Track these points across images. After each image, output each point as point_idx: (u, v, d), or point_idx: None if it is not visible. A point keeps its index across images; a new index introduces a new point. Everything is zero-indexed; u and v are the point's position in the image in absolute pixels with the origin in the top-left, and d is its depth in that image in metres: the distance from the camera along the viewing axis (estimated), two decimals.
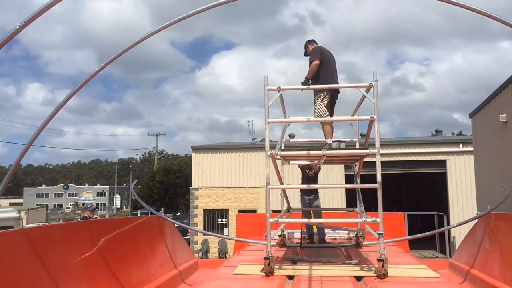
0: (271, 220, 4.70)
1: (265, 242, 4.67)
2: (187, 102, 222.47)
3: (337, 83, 5.91)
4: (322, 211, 7.47)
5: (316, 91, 5.74)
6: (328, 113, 5.73)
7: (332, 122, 5.83)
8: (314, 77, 5.75)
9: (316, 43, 6.32)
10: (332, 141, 5.59)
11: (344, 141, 5.69)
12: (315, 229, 6.90)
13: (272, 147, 4.90)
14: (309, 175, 6.96)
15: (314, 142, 6.98)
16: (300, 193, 7.14)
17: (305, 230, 6.93)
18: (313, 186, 6.50)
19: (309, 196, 7.02)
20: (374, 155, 4.63)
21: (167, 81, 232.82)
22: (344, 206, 19.65)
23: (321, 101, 5.72)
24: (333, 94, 5.88)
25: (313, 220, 6.40)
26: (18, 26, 4.02)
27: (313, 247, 6.54)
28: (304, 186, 6.70)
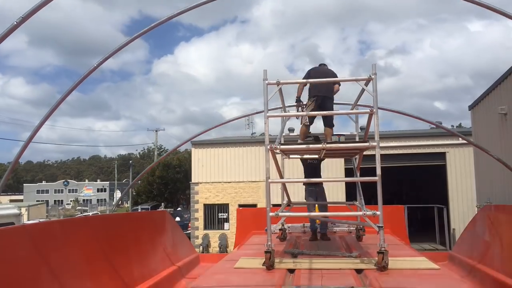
0: (271, 214, 4.71)
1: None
2: (154, 93, 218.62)
3: (323, 93, 5.99)
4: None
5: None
6: (308, 122, 6.01)
7: (309, 125, 6.05)
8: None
9: (319, 65, 6.53)
10: (332, 135, 5.62)
11: (343, 135, 5.71)
12: (318, 223, 6.89)
13: (272, 141, 4.90)
14: (314, 163, 6.85)
15: (314, 135, 6.98)
16: (304, 185, 7.06)
17: (308, 224, 6.91)
18: (313, 179, 6.50)
19: (314, 186, 6.89)
20: (373, 148, 4.63)
21: (129, 71, 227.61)
22: (344, 199, 19.69)
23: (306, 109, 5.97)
24: (318, 101, 5.97)
25: (313, 213, 6.41)
26: (15, 22, 4.01)
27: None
28: (305, 179, 6.70)
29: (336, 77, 6.10)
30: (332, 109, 6.13)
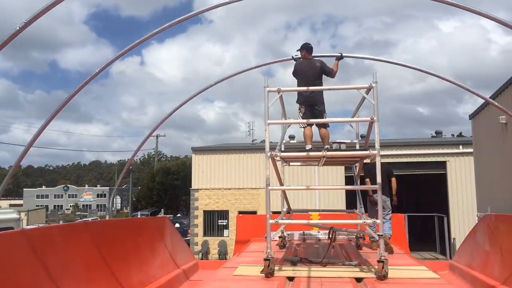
0: (271, 221, 4.70)
1: None
2: (123, 96, 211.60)
3: (312, 92, 5.81)
4: (322, 213, 7.47)
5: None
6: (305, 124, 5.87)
7: (311, 128, 5.89)
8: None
9: (305, 53, 6.15)
10: (333, 142, 5.59)
11: (344, 143, 5.70)
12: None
13: (272, 148, 4.90)
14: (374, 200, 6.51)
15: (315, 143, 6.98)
16: (369, 202, 6.95)
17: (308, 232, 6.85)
18: (312, 187, 6.49)
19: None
20: (374, 156, 4.63)
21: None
22: (344, 207, 19.65)
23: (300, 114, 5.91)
24: (308, 106, 5.90)
25: (312, 221, 6.40)
26: (18, 27, 4.03)
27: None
28: (303, 187, 6.69)
29: (324, 68, 5.91)
30: (323, 108, 5.95)
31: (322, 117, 5.82)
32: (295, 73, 6.01)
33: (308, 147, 5.55)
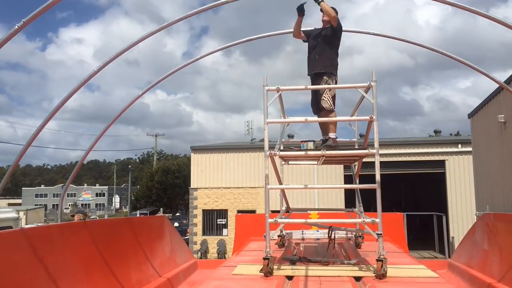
0: (270, 220, 4.70)
1: None
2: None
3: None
4: (321, 212, 7.47)
5: (324, 81, 5.55)
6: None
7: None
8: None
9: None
10: (301, 141, 5.46)
11: (313, 141, 5.55)
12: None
13: (271, 147, 4.90)
14: None
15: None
16: None
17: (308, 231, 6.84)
18: (312, 186, 6.49)
19: None
20: (373, 155, 4.64)
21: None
22: (343, 206, 19.67)
23: (330, 96, 5.54)
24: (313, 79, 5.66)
25: (311, 220, 6.40)
26: (17, 27, 4.02)
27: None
28: (302, 186, 6.69)
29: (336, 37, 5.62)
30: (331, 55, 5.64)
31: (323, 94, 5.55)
32: (308, 36, 5.71)
33: (333, 135, 5.47)
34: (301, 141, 5.38)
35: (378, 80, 4.65)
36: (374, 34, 6.81)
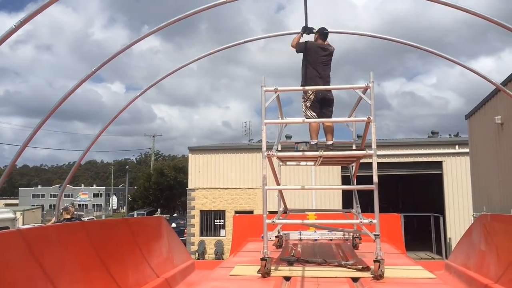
0: (268, 221, 4.70)
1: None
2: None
3: (325, 81, 5.61)
4: (318, 213, 7.47)
5: (302, 94, 5.63)
6: (314, 114, 5.53)
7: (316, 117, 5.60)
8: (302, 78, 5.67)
9: (318, 36, 5.91)
10: (296, 143, 5.45)
11: (307, 142, 5.54)
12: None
13: (269, 148, 4.90)
14: None
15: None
16: None
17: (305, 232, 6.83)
18: (309, 187, 6.49)
19: None
20: (370, 156, 4.64)
21: None
22: (340, 207, 19.68)
23: (305, 104, 5.61)
24: (318, 94, 5.60)
25: (309, 221, 6.40)
26: (14, 26, 4.01)
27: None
28: (299, 187, 6.70)
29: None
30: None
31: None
32: (306, 49, 5.67)
33: (314, 141, 5.45)
34: (295, 143, 5.40)
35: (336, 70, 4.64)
36: (371, 36, 6.82)
